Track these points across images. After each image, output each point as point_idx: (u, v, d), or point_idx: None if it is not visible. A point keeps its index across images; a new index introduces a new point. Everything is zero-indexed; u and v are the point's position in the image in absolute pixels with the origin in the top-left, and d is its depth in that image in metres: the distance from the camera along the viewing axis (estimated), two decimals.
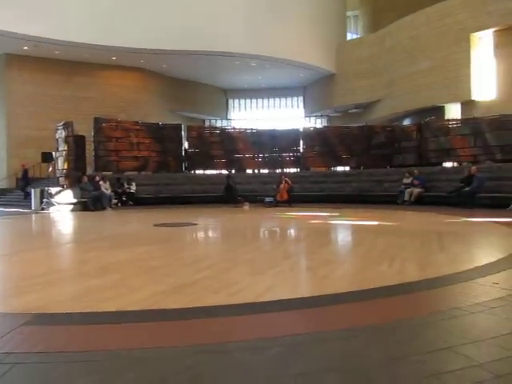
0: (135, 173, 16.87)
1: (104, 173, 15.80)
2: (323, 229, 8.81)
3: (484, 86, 16.91)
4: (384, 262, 4.96)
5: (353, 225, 9.43)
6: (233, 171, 17.48)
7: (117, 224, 10.96)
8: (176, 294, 3.66)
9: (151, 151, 17.08)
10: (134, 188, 15.77)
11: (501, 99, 16.40)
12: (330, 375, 2.14)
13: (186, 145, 17.62)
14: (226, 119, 28.17)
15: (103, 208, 13.96)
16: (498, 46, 16.52)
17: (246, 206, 14.36)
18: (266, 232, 8.86)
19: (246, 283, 4.03)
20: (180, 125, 17.97)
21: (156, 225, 9.22)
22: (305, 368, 2.22)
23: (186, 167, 17.66)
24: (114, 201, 14.95)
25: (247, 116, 27.97)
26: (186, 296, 3.58)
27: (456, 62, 17.38)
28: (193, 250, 6.46)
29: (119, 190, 15.48)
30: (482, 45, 16.90)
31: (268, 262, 5.23)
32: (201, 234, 8.62)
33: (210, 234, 8.81)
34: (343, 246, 7.02)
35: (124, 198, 15.47)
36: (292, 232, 8.91)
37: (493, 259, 5.02)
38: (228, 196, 15.62)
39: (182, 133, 17.54)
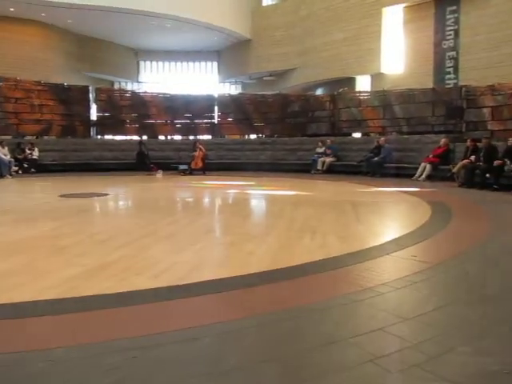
0: (37, 137, 15.58)
1: (2, 137, 14.39)
2: (241, 199, 8.73)
3: (392, 59, 17.57)
4: (306, 235, 4.97)
5: (270, 195, 9.44)
6: (145, 137, 16.76)
7: (18, 194, 10.04)
8: (93, 277, 3.35)
9: (55, 114, 15.81)
10: (36, 154, 14.57)
11: (407, 73, 17.16)
12: (266, 367, 2.03)
13: (94, 108, 16.53)
14: (137, 82, 26.83)
15: (2, 176, 12.76)
16: (407, 21, 17.15)
17: (160, 174, 13.88)
18: (184, 203, 8.60)
19: (169, 262, 3.80)
20: (87, 86, 16.77)
21: (63, 195, 8.55)
22: (239, 360, 2.09)
23: (94, 132, 16.64)
24: (15, 168, 13.70)
25: (159, 79, 26.82)
26: (105, 280, 3.28)
27: (368, 35, 17.82)
28: (106, 225, 6.05)
29: (20, 156, 14.22)
30: (393, 19, 17.45)
31: (189, 237, 5.03)
32: (114, 206, 8.16)
33: (124, 205, 8.38)
34: (264, 218, 6.98)
35: (26, 165, 14.25)
36: (210, 203, 8.74)
37: (408, 230, 5.22)
38: (140, 163, 14.99)
39: (90, 95, 16.40)
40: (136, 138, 16.71)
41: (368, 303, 2.83)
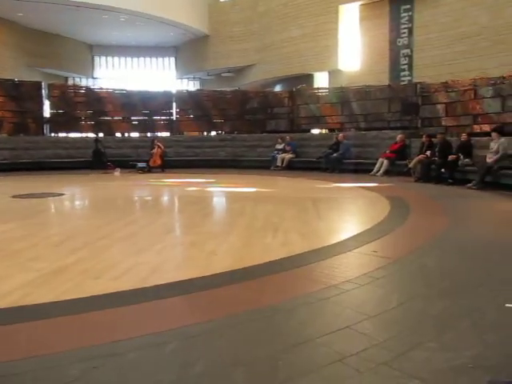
0: None
1: None
2: (202, 197, 8.62)
3: (349, 56, 17.81)
4: (268, 234, 4.94)
5: (231, 192, 9.38)
6: (101, 134, 16.31)
7: None
8: (48, 283, 3.20)
9: (6, 111, 15.13)
10: None
11: (364, 70, 17.43)
12: (235, 371, 1.98)
13: (47, 105, 15.93)
14: (92, 78, 26.08)
15: None
16: (363, 18, 17.41)
17: (117, 172, 13.55)
18: (142, 202, 8.41)
19: (129, 264, 3.69)
20: (40, 82, 16.13)
21: (15, 196, 8.18)
22: (208, 366, 2.03)
23: (47, 130, 16.04)
24: None
25: (115, 75, 26.17)
26: (61, 284, 3.14)
27: (325, 32, 17.97)
28: (62, 226, 5.82)
29: None
30: (349, 17, 17.68)
31: (149, 237, 4.91)
32: (69, 206, 7.88)
33: (80, 205, 8.12)
34: (225, 216, 6.92)
35: None
36: (170, 201, 8.59)
37: (368, 226, 5.28)
38: (96, 161, 14.57)
39: (43, 91, 15.79)
40: (92, 135, 16.23)
41: (333, 301, 2.83)
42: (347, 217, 6.50)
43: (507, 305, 2.58)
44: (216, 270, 3.52)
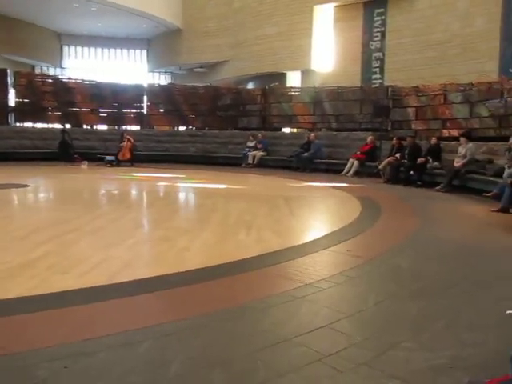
0: None
1: None
2: (172, 192, 8.49)
3: (323, 57, 17.90)
4: (241, 231, 4.89)
5: (202, 188, 9.27)
6: (68, 126, 15.86)
7: None
8: (13, 278, 3.05)
9: None
10: None
11: (336, 71, 17.55)
12: (212, 372, 1.91)
13: (12, 93, 15.37)
14: (60, 67, 25.33)
15: None
16: (337, 20, 17.51)
17: (85, 165, 13.20)
18: (111, 196, 8.20)
19: (98, 259, 3.56)
20: (5, 70, 15.55)
21: None
22: (184, 366, 1.96)
23: (12, 119, 15.49)
24: None
25: (84, 66, 25.49)
26: (27, 280, 2.99)
27: (299, 31, 17.99)
28: (27, 219, 5.59)
29: None
30: (324, 17, 17.76)
31: (119, 231, 4.78)
32: (34, 199, 7.61)
33: (46, 198, 7.85)
34: (196, 212, 6.81)
35: None
36: (139, 196, 8.41)
37: (341, 225, 5.29)
38: (63, 153, 14.14)
39: (8, 79, 15.22)
40: (59, 126, 15.78)
41: (310, 300, 2.79)
42: (320, 216, 6.51)
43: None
44: (189, 267, 3.44)
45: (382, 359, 2.05)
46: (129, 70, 25.85)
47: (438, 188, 8.81)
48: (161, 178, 10.66)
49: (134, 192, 8.95)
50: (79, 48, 25.84)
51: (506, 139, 8.80)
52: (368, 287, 3.12)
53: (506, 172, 6.73)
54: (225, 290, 2.97)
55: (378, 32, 16.58)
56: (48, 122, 16.15)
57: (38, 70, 23.91)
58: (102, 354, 2.03)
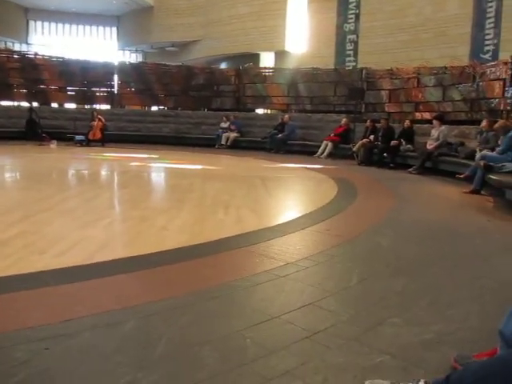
0: None
1: None
2: (147, 173, 8.35)
3: (297, 38, 17.79)
4: (220, 210, 4.85)
5: (176, 168, 9.14)
6: (35, 104, 15.35)
7: None
8: None
9: None
10: None
11: (310, 53, 17.47)
12: (200, 351, 1.87)
13: None
14: (26, 43, 24.39)
15: None
16: (312, 1, 17.38)
17: (53, 145, 12.80)
18: (84, 176, 7.99)
19: (74, 239, 3.46)
20: None
21: None
22: (172, 345, 1.91)
23: None
24: None
25: (52, 42, 24.59)
26: (3, 259, 2.88)
27: (273, 11, 17.80)
28: None
29: None
30: None
31: (94, 211, 4.65)
32: (2, 178, 7.34)
33: (15, 177, 7.58)
34: (173, 192, 6.69)
35: None
36: (114, 176, 8.22)
37: (319, 205, 5.29)
38: (31, 132, 13.68)
39: None
40: (26, 104, 15.24)
41: (294, 278, 2.78)
42: (297, 196, 6.51)
43: None
44: (169, 246, 3.38)
45: (371, 335, 2.05)
46: (98, 47, 25.10)
47: (410, 170, 8.93)
48: (134, 159, 10.45)
49: (107, 172, 8.75)
50: (46, 24, 24.92)
51: (477, 123, 9.00)
52: (350, 265, 3.13)
53: (479, 154, 6.86)
54: (209, 269, 2.92)
55: (352, 14, 16.55)
56: (14, 100, 15.57)
57: (1, 45, 22.96)
58: (85, 334, 1.97)
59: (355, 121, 12.13)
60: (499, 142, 6.92)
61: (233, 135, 14.14)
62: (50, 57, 16.14)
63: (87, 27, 25.46)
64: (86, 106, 16.20)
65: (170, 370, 1.72)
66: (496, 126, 7.08)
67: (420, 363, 1.79)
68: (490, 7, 12.87)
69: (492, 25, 12.86)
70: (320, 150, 11.90)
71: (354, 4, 16.44)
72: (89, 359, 1.78)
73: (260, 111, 16.29)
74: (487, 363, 1.41)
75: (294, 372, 1.72)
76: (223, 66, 21.03)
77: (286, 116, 13.58)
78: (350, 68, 15.63)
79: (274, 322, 2.16)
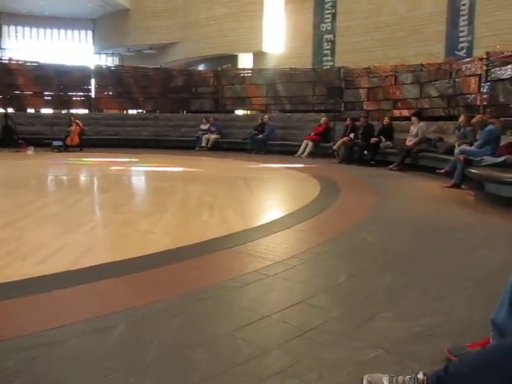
0: None
1: None
2: (127, 176, 8.26)
3: (274, 39, 17.82)
4: (204, 212, 4.82)
5: (157, 171, 9.06)
6: (11, 110, 15.07)
7: None
8: None
9: None
10: None
11: (288, 53, 17.52)
12: (192, 354, 1.84)
13: None
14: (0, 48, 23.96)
15: None
16: (288, 2, 17.43)
17: (31, 151, 12.58)
18: (64, 181, 7.87)
19: (57, 245, 3.39)
20: None
21: None
22: (163, 349, 1.88)
23: None
24: None
25: (26, 47, 24.15)
26: None
27: (250, 12, 17.81)
28: None
29: None
30: None
31: (76, 216, 4.57)
32: None
33: None
34: (155, 195, 6.61)
35: None
36: (94, 181, 8.11)
37: (302, 204, 5.30)
38: (7, 139, 13.44)
39: None
40: (0, 110, 14.95)
41: (283, 277, 2.77)
42: (280, 195, 6.51)
43: None
44: (154, 249, 3.34)
45: (363, 330, 2.05)
46: (73, 51, 24.76)
47: (391, 167, 9.02)
48: (114, 163, 10.32)
49: (87, 177, 8.63)
50: (20, 28, 24.47)
51: (454, 118, 9.14)
52: (337, 262, 3.14)
53: (458, 149, 6.97)
54: (197, 271, 2.90)
55: (328, 14, 16.66)
56: None
57: None
58: (74, 341, 1.92)
59: (335, 119, 12.20)
60: (477, 136, 7.04)
61: (213, 137, 14.10)
62: (25, 61, 15.90)
63: (62, 31, 25.09)
64: (63, 111, 15.98)
65: (163, 374, 1.69)
66: (473, 120, 7.20)
67: (414, 356, 1.80)
68: (464, 5, 13.09)
69: (466, 22, 13.08)
70: (301, 150, 11.94)
71: (331, 4, 16.55)
72: (79, 366, 1.74)
73: (239, 112, 16.29)
74: (482, 353, 1.42)
75: (289, 371, 1.71)
76: (201, 67, 20.98)
77: (266, 116, 13.60)
78: (328, 67, 15.72)
79: (265, 322, 2.15)
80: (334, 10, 16.52)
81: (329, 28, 16.76)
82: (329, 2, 16.56)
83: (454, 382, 1.37)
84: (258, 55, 18.32)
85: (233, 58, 19.26)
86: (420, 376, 1.47)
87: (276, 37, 17.82)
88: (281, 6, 17.67)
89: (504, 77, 8.37)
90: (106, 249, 3.48)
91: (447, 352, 1.77)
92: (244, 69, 16.67)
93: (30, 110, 15.88)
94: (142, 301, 2.36)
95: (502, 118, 7.81)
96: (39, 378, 1.65)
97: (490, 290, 2.48)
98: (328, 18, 16.70)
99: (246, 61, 19.17)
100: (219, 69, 16.04)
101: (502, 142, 6.64)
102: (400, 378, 1.52)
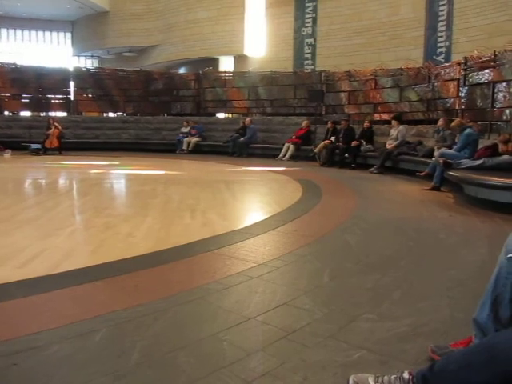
0: None
1: None
2: (108, 180, 8.16)
3: (255, 42, 17.86)
4: (186, 215, 4.79)
5: (138, 175, 8.98)
6: None
7: None
8: None
9: None
10: None
11: (269, 57, 17.56)
12: (176, 357, 1.82)
13: None
14: None
15: None
16: (269, 6, 17.48)
17: (8, 154, 12.36)
18: (43, 185, 7.73)
19: (36, 249, 3.33)
20: None
21: None
22: (147, 352, 1.86)
23: None
24: None
25: (3, 48, 23.75)
26: None
27: (231, 16, 17.82)
28: None
29: None
30: (256, 2, 17.67)
31: (56, 220, 4.49)
32: None
33: None
34: (137, 198, 6.53)
35: None
36: (74, 184, 7.99)
37: (285, 206, 5.31)
38: None
39: None
40: None
41: (266, 279, 2.77)
42: (262, 198, 6.50)
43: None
44: (137, 253, 3.31)
45: (347, 331, 2.06)
46: (52, 53, 24.43)
47: (371, 170, 9.09)
48: (94, 166, 10.20)
49: (66, 180, 8.51)
50: None
51: (433, 122, 9.27)
52: (321, 264, 3.14)
53: (437, 152, 7.07)
54: (180, 274, 2.87)
55: (309, 18, 16.75)
56: None
57: None
58: (55, 346, 1.88)
59: (316, 122, 12.26)
60: (456, 139, 7.15)
61: (194, 140, 14.04)
62: (2, 63, 15.60)
63: (40, 33, 24.73)
64: (42, 114, 15.74)
65: (148, 378, 1.67)
66: (452, 124, 7.31)
67: (398, 356, 1.81)
68: (442, 10, 13.30)
69: (444, 27, 13.29)
70: (282, 153, 11.96)
71: (311, 8, 16.65)
72: (61, 372, 1.70)
73: (221, 115, 16.26)
74: (466, 352, 1.43)
75: (274, 373, 1.70)
76: (183, 70, 20.88)
77: (248, 119, 13.59)
78: (309, 71, 15.81)
79: (250, 324, 2.14)
80: (314, 15, 16.62)
81: (309, 32, 16.84)
82: (309, 6, 16.66)
83: (439, 381, 1.38)
84: (240, 58, 18.33)
85: (214, 61, 19.24)
86: (405, 375, 1.47)
87: (257, 40, 17.85)
88: (262, 10, 17.71)
89: (481, 81, 8.52)
90: (87, 253, 3.42)
91: (431, 351, 1.78)
92: (225, 72, 16.64)
93: (8, 113, 15.58)
94: (124, 304, 2.33)
95: (479, 122, 7.97)
96: None
97: (471, 290, 2.52)
98: (309, 22, 16.79)
99: (227, 64, 19.16)
100: (200, 72, 16.01)
101: (480, 146, 6.76)
102: (385, 377, 1.52)
